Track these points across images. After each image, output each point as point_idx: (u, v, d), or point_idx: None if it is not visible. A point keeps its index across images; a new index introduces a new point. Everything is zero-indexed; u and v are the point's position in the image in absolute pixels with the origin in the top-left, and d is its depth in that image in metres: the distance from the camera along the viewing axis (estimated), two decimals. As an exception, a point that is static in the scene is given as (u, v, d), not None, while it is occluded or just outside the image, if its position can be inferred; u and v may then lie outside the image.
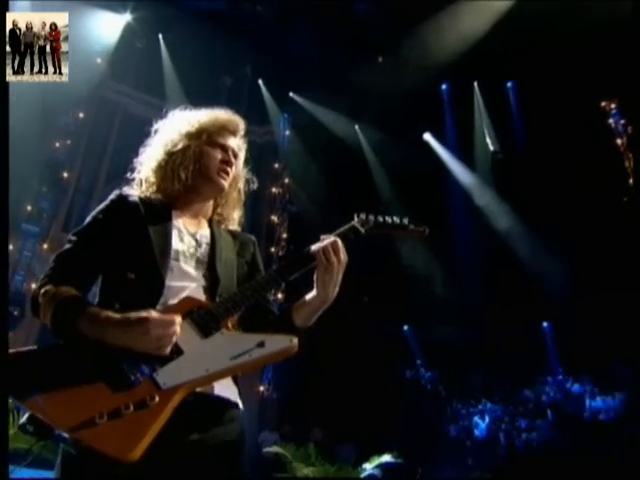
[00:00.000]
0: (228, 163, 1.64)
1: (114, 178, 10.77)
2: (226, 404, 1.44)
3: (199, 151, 1.60)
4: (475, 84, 11.96)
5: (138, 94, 11.46)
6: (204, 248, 1.57)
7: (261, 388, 10.78)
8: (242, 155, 1.72)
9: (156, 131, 1.69)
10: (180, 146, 1.60)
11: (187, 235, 1.56)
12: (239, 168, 1.71)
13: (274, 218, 12.32)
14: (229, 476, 1.38)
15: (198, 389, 1.34)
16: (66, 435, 1.21)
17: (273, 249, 11.81)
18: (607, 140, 10.66)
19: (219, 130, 1.64)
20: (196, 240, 1.57)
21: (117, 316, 1.32)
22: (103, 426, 1.18)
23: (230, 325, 1.42)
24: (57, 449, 1.35)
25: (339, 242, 1.51)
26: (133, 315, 1.30)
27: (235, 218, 1.73)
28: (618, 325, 8.68)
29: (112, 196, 1.60)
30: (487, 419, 9.90)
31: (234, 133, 1.69)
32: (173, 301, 1.41)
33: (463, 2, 10.45)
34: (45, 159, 10.37)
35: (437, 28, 10.53)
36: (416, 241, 9.16)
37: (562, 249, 9.99)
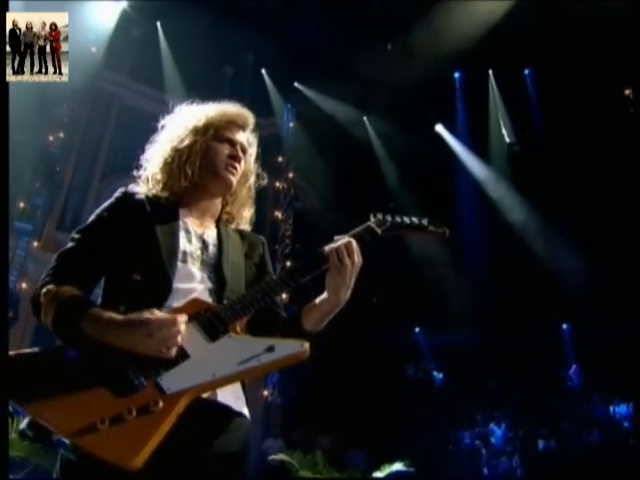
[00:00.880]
0: (236, 158, 1.62)
1: (110, 174, 10.89)
2: (231, 412, 1.42)
3: (206, 146, 1.60)
4: (490, 72, 11.82)
5: (135, 85, 11.42)
6: (211, 249, 1.56)
7: (265, 392, 10.65)
8: (253, 151, 1.70)
9: (162, 127, 1.68)
10: (187, 142, 1.59)
11: (194, 236, 1.56)
12: (249, 164, 1.69)
13: (278, 214, 12.21)
14: None
15: (203, 395, 1.33)
16: (66, 441, 1.20)
17: (277, 247, 11.63)
18: (630, 131, 10.39)
19: (227, 124, 1.63)
20: (203, 241, 1.57)
21: (120, 317, 1.32)
22: (104, 432, 1.18)
23: (238, 329, 1.41)
24: (56, 458, 1.34)
25: (354, 243, 1.47)
26: (136, 316, 1.29)
27: (245, 217, 1.71)
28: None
29: (118, 194, 1.59)
30: (503, 426, 9.76)
31: (243, 127, 1.67)
32: (180, 303, 1.40)
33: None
34: (38, 153, 10.18)
35: (448, 12, 10.32)
36: (431, 240, 9.03)
37: (581, 246, 9.85)
